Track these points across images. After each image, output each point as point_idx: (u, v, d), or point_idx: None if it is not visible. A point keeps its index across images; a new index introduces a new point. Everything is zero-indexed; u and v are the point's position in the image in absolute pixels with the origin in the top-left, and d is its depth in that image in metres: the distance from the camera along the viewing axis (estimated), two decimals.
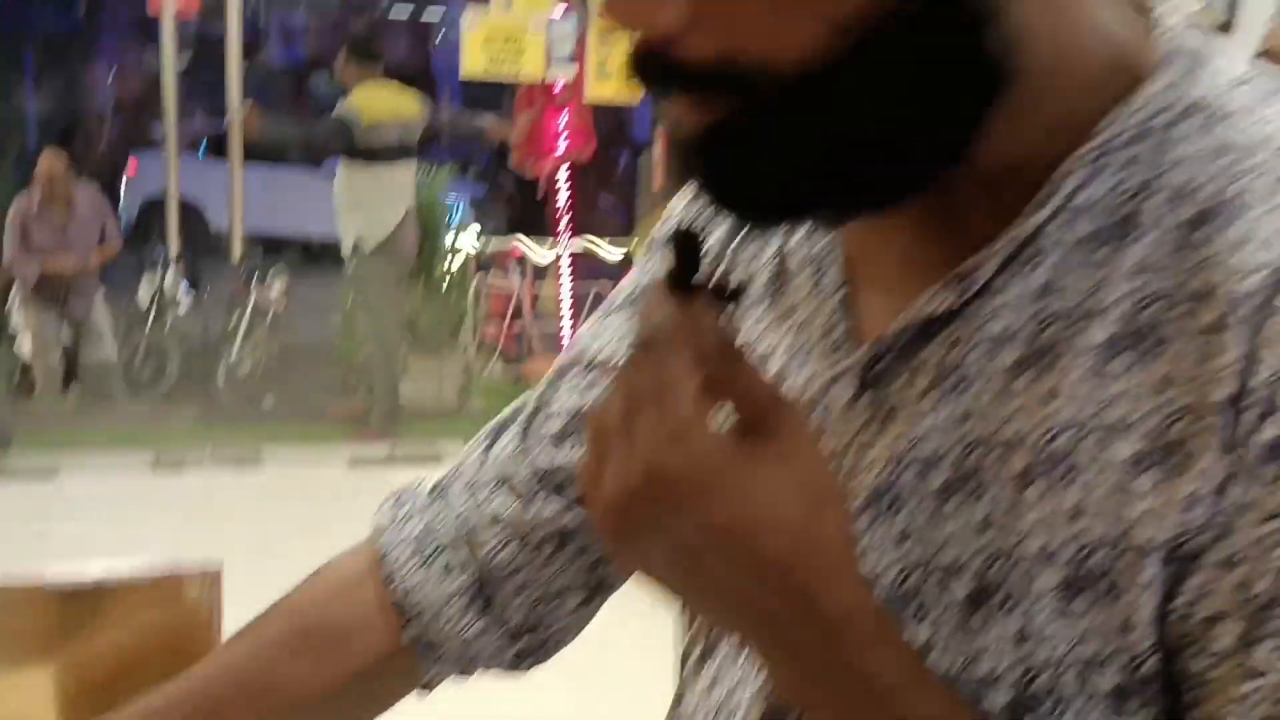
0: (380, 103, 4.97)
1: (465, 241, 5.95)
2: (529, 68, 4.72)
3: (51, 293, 6.02)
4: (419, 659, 0.70)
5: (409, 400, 5.51)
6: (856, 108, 0.49)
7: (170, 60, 4.58)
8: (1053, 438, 0.49)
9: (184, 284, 6.88)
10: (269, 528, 4.11)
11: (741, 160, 0.51)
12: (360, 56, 4.92)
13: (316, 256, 8.18)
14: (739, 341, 0.49)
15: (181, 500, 4.59)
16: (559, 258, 5.68)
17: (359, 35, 5.07)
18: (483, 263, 6.14)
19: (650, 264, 0.71)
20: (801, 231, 0.61)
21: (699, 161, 0.52)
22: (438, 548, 0.70)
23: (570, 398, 0.70)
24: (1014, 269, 0.51)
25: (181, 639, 0.99)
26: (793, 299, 0.61)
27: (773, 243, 0.63)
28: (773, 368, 0.60)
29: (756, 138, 0.50)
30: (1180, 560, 0.46)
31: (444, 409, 5.61)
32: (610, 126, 7.30)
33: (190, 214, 8.44)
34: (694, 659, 0.64)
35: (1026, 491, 0.49)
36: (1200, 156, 0.51)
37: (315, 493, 4.65)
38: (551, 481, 0.69)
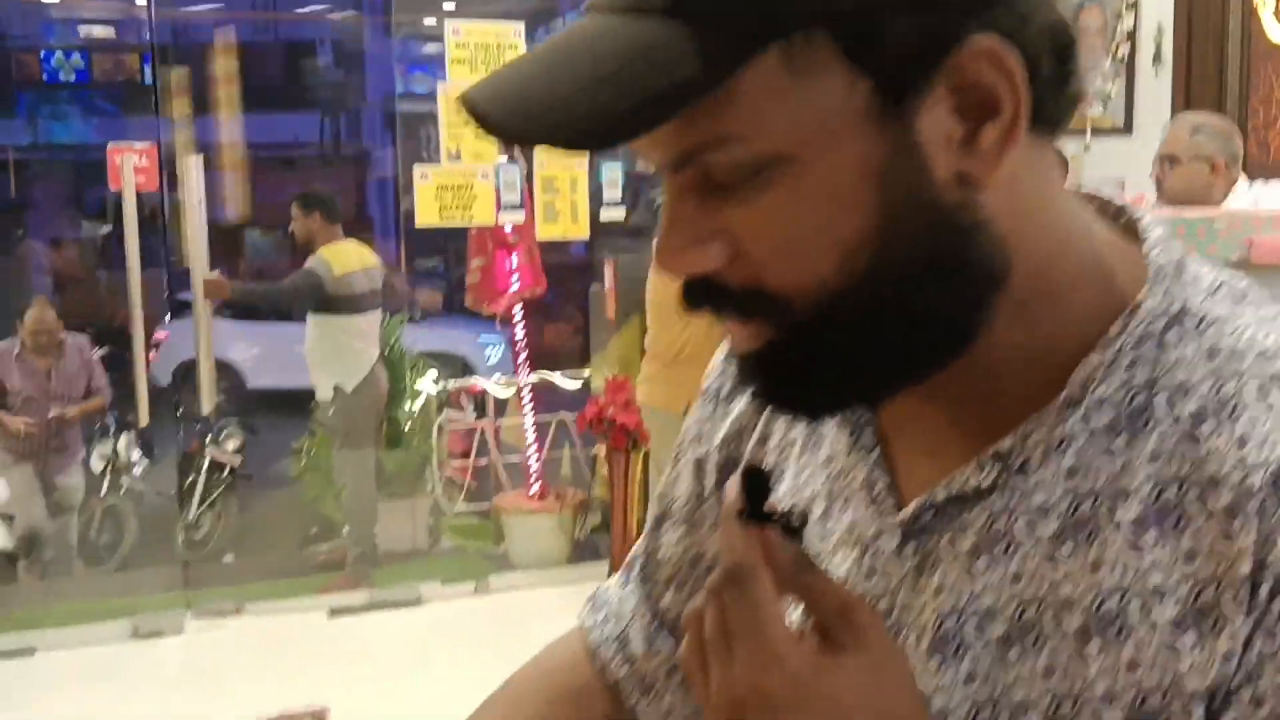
0: (347, 255, 5.29)
1: (424, 384, 6.06)
2: (480, 214, 4.91)
3: (31, 449, 5.66)
4: None
5: (381, 544, 5.54)
6: (871, 323, 0.57)
7: (133, 231, 4.69)
8: (1103, 601, 0.58)
9: (137, 448, 6.87)
10: (257, 684, 4.09)
11: (784, 377, 0.60)
12: (325, 214, 5.32)
13: (273, 409, 8.24)
14: (807, 548, 0.58)
15: (164, 666, 4.55)
16: (519, 391, 5.80)
17: (322, 195, 5.37)
18: (442, 403, 6.25)
19: (695, 421, 0.83)
20: None
21: (751, 377, 0.62)
22: (628, 655, 0.85)
23: (670, 548, 0.84)
24: (1046, 453, 0.60)
25: None
26: (830, 450, 0.71)
27: None
28: (817, 510, 0.70)
29: (793, 355, 0.59)
30: (1219, 699, 0.56)
31: (417, 551, 5.65)
32: (560, 264, 7.54)
33: (228, 372, 8.60)
34: None
35: (1087, 646, 0.58)
36: (1194, 359, 0.60)
37: (301, 646, 4.63)
38: (667, 623, 0.84)
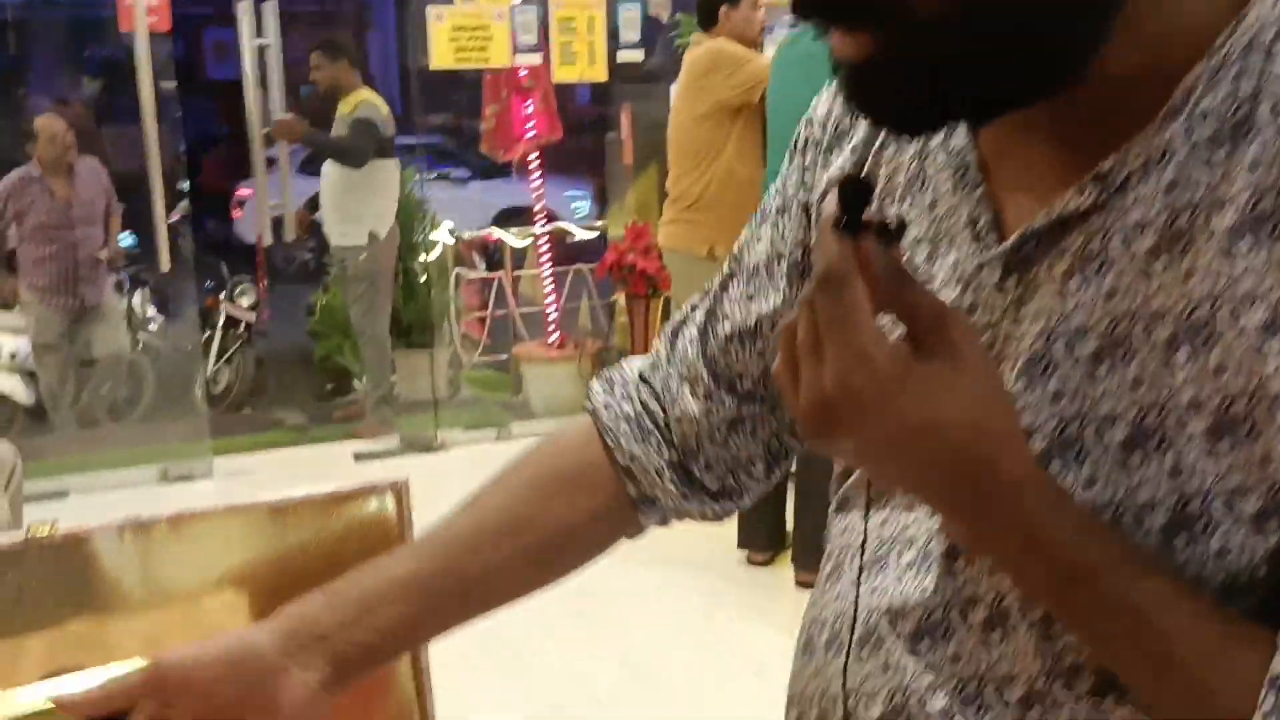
0: (379, 99, 5.21)
1: (440, 235, 6.05)
2: (496, 56, 4.84)
3: (57, 281, 5.32)
4: (638, 510, 0.84)
5: (402, 395, 5.61)
6: (993, 27, 0.55)
7: (146, 74, 4.62)
8: (1193, 310, 0.57)
9: (152, 304, 6.90)
10: None
11: (891, 87, 0.59)
12: (352, 62, 5.25)
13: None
14: (904, 264, 0.57)
15: (195, 505, 4.64)
16: (536, 241, 5.80)
17: (345, 43, 5.29)
18: (458, 255, 6.25)
19: (791, 173, 0.81)
20: (940, 136, 0.69)
21: (857, 88, 0.60)
22: (647, 429, 0.83)
23: (735, 306, 0.82)
24: (1146, 168, 0.59)
25: (376, 545, 1.13)
26: (933, 194, 0.70)
27: (911, 146, 0.71)
28: (921, 253, 0.69)
29: (903, 66, 0.58)
30: None
31: (437, 401, 5.71)
32: (576, 109, 7.44)
33: (316, 229, 8.49)
34: (856, 501, 0.75)
35: (1175, 355, 0.57)
36: None
37: (330, 486, 4.70)
38: (725, 381, 0.82)
